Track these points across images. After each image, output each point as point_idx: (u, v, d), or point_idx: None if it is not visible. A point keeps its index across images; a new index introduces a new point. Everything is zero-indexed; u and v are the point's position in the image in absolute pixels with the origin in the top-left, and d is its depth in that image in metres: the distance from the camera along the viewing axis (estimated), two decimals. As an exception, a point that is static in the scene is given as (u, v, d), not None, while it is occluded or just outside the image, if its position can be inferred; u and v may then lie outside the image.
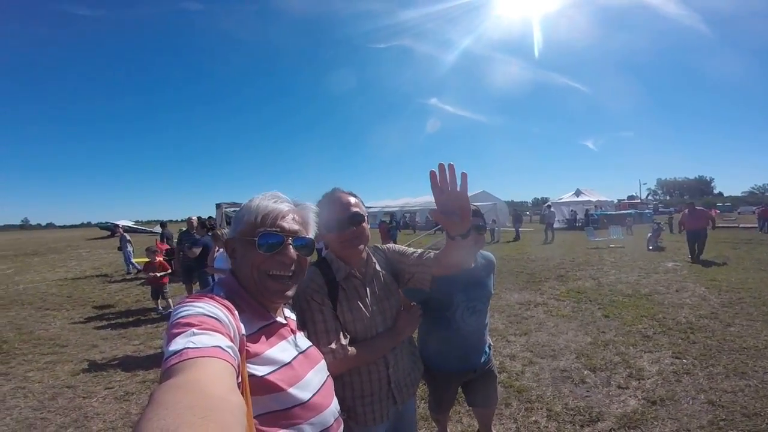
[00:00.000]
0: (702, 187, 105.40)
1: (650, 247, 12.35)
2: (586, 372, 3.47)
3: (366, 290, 1.41)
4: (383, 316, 1.42)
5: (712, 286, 6.61)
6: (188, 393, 0.52)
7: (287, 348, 0.95)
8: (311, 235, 1.05)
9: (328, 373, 1.06)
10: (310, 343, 1.07)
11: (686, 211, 10.45)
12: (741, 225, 22.39)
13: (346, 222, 1.34)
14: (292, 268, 0.97)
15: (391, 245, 1.61)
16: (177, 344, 0.64)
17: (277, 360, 0.89)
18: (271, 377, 0.84)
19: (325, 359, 1.18)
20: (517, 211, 23.84)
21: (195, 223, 6.86)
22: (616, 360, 3.70)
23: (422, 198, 33.54)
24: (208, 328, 0.70)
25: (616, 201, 34.16)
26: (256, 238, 0.92)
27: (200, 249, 6.11)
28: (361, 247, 1.39)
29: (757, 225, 19.28)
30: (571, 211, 28.72)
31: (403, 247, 1.59)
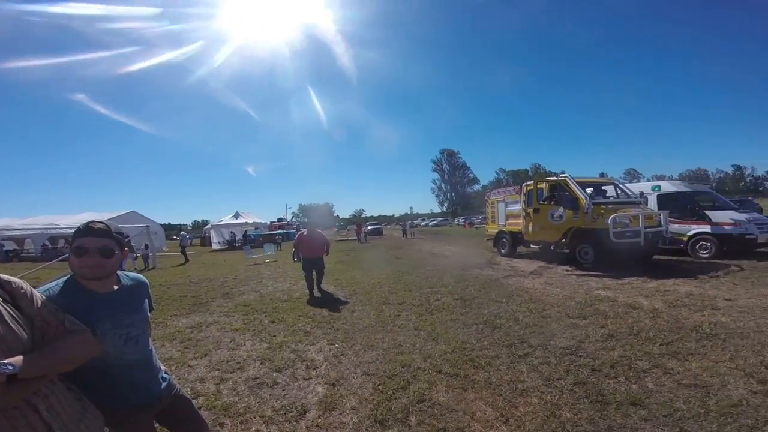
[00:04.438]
0: (328, 211, 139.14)
1: (295, 260, 14.95)
2: (274, 374, 3.76)
3: None
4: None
5: (338, 284, 8.87)
6: None
7: None
8: None
9: None
10: None
11: (304, 232, 8.66)
12: (350, 238, 33.18)
13: None
14: None
15: (14, 280, 1.31)
16: None
17: None
18: None
19: None
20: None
21: None
22: (292, 357, 4.22)
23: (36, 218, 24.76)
24: None
25: (269, 222, 40.21)
26: None
27: None
28: None
29: (356, 238, 30.36)
30: (231, 232, 31.05)
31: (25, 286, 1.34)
